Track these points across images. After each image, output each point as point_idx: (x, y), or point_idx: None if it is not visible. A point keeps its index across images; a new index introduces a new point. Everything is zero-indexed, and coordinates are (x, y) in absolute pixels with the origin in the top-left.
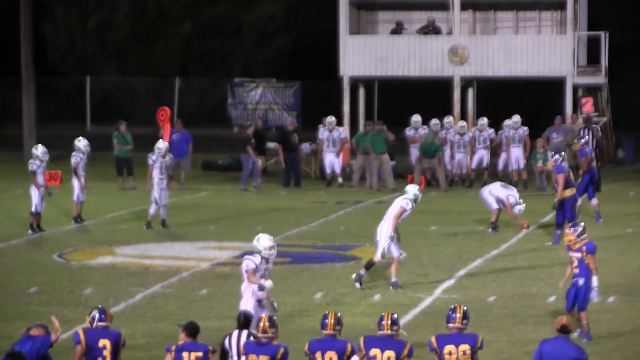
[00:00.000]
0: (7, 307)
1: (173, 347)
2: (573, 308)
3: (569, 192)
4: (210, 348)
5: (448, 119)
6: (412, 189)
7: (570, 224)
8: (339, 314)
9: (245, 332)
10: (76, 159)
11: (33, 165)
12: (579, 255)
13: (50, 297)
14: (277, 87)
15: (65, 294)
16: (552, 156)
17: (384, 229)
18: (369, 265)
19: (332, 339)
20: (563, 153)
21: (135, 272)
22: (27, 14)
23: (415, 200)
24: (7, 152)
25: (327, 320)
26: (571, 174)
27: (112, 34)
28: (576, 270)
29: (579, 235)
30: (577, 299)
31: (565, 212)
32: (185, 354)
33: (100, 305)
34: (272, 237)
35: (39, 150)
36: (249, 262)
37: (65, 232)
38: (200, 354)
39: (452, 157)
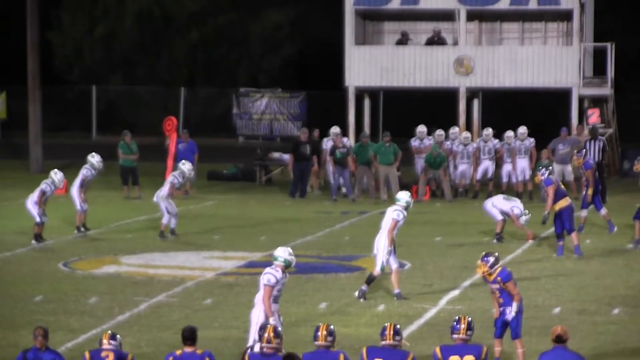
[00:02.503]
0: (13, 316)
1: (170, 359)
2: (502, 336)
3: (563, 203)
4: None
5: (453, 130)
6: (403, 196)
7: (483, 254)
8: (331, 326)
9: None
10: (86, 172)
11: (47, 187)
12: (497, 286)
13: (56, 305)
14: (282, 97)
15: (71, 303)
16: (540, 171)
17: (381, 243)
18: (370, 280)
19: (325, 351)
20: (551, 167)
21: (140, 281)
22: (34, 22)
23: (406, 208)
24: (13, 160)
25: (318, 332)
26: (561, 184)
27: (118, 43)
28: (500, 300)
29: (491, 266)
30: (510, 327)
31: (564, 223)
32: None
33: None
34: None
35: (58, 176)
36: (270, 277)
37: (70, 241)
38: None
39: (455, 167)
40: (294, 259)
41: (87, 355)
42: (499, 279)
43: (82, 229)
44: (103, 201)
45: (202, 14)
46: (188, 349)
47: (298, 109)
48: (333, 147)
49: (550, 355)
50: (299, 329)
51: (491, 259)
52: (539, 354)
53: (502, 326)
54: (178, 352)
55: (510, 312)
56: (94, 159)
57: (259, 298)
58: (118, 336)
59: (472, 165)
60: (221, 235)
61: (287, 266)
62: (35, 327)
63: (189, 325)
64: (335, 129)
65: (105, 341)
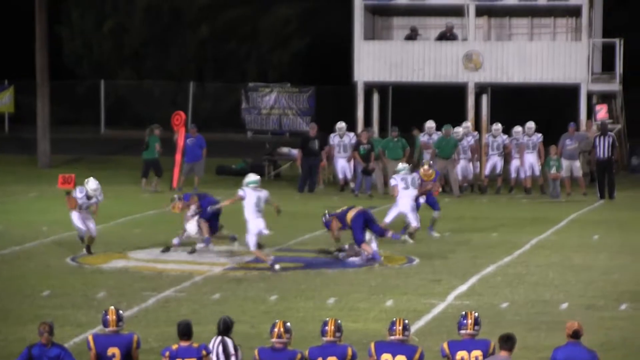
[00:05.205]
0: (21, 310)
1: (167, 354)
2: None
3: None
4: (203, 353)
5: (466, 124)
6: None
7: None
8: (339, 321)
9: (226, 339)
10: (76, 193)
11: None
12: None
13: (64, 300)
14: (291, 92)
15: (78, 298)
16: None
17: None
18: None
19: (332, 345)
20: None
21: (148, 276)
22: (42, 17)
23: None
24: (21, 155)
25: (327, 327)
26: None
27: (127, 38)
28: None
29: None
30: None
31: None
32: None
33: (112, 307)
34: None
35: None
36: None
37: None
38: None
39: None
40: None
41: (91, 342)
42: None
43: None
44: (112, 195)
45: (212, 9)
46: (184, 344)
47: (307, 103)
48: (357, 143)
49: (565, 350)
50: (307, 325)
51: None
52: (547, 349)
53: None
54: (174, 347)
55: None
56: (88, 185)
57: None
58: (120, 312)
59: (471, 160)
60: (229, 230)
61: None
62: (40, 322)
63: (184, 320)
64: (340, 124)
65: (109, 318)
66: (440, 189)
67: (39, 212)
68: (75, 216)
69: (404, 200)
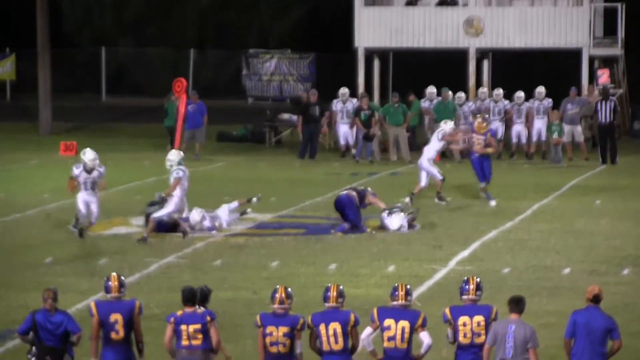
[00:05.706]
0: (23, 278)
1: (172, 320)
2: None
3: None
4: (208, 319)
5: (483, 90)
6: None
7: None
8: (341, 287)
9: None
10: (73, 172)
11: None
12: None
13: (66, 267)
14: (291, 59)
15: (81, 265)
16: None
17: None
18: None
19: (334, 311)
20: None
21: (150, 242)
22: None
23: None
24: (22, 122)
25: (329, 293)
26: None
27: (128, 6)
28: None
29: None
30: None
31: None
32: (183, 327)
33: (115, 273)
34: None
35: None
36: None
37: None
38: (198, 326)
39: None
40: None
41: (93, 308)
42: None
43: (77, 230)
44: (113, 163)
45: None
46: (188, 310)
47: (307, 70)
48: (358, 109)
49: (585, 314)
50: (309, 291)
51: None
52: (549, 314)
53: None
54: (179, 313)
55: None
56: (85, 155)
57: None
58: (123, 278)
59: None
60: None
61: None
62: (44, 289)
63: (188, 285)
64: (343, 90)
65: (112, 284)
66: (492, 150)
67: (41, 179)
68: (79, 197)
69: (421, 159)
